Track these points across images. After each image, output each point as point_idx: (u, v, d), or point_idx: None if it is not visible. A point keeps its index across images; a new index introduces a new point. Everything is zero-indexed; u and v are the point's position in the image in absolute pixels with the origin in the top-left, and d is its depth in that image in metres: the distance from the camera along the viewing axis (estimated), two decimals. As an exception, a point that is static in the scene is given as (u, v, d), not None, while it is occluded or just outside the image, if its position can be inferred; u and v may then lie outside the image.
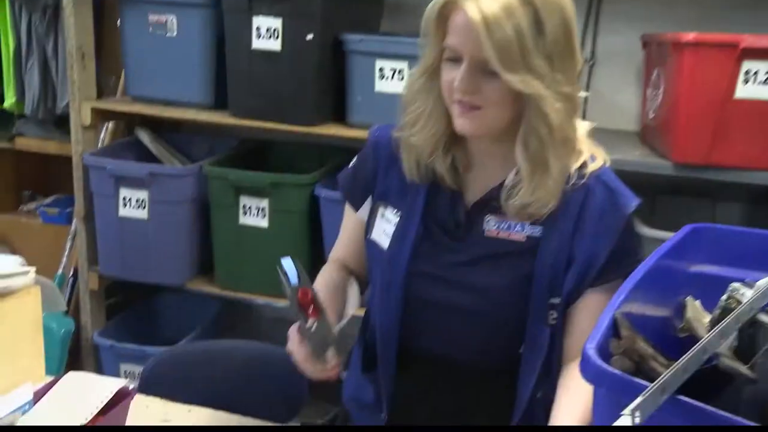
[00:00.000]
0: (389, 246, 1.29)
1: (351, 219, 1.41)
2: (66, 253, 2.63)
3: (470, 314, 1.25)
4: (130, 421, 1.30)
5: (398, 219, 1.29)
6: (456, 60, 1.16)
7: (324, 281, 1.37)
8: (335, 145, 2.46)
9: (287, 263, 1.17)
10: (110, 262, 2.52)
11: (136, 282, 2.57)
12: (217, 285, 2.50)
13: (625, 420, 0.61)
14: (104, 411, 1.25)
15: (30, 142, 2.76)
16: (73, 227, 2.60)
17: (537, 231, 1.22)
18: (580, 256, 1.20)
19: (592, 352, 0.74)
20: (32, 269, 1.24)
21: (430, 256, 1.27)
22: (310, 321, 1.16)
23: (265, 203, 2.36)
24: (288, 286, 1.17)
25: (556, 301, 1.21)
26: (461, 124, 1.18)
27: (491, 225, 1.25)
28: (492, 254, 1.24)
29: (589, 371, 0.74)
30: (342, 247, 1.45)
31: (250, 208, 2.38)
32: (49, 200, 2.91)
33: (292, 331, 1.22)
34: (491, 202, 1.25)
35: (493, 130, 1.19)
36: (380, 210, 1.33)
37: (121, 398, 1.28)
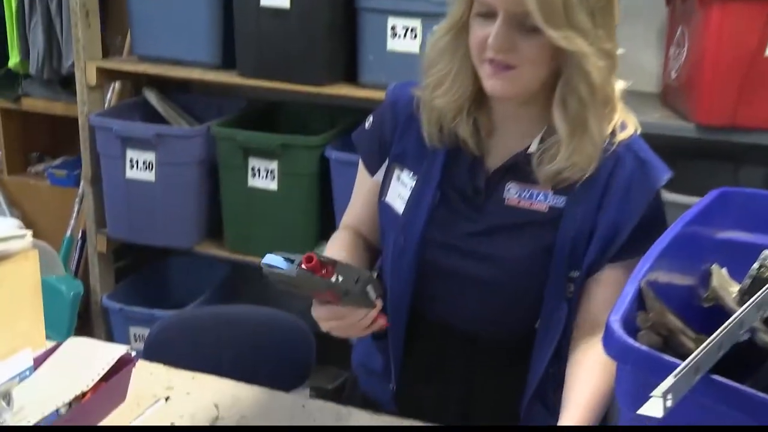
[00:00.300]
0: (404, 211, 1.23)
1: (366, 183, 1.33)
2: (74, 215, 2.60)
3: (485, 285, 1.19)
4: (133, 388, 1.27)
5: (414, 183, 1.23)
6: (488, 15, 1.08)
7: (337, 248, 1.28)
8: (346, 105, 2.40)
9: (269, 258, 1.07)
10: (118, 225, 2.49)
11: (144, 245, 2.54)
12: (226, 248, 2.46)
13: (655, 404, 0.56)
14: (106, 378, 1.22)
15: (36, 102, 2.71)
16: (80, 190, 2.57)
17: (560, 201, 1.16)
18: (603, 229, 1.14)
19: (617, 326, 0.68)
20: (29, 232, 1.19)
21: (446, 224, 1.21)
22: (333, 278, 1.06)
23: (274, 165, 2.31)
24: (286, 275, 1.05)
25: (575, 274, 1.16)
26: (492, 85, 1.11)
27: (512, 193, 1.19)
28: (511, 224, 1.18)
29: (613, 346, 0.68)
30: (355, 212, 1.37)
31: (259, 170, 2.33)
32: (57, 162, 2.87)
33: (319, 311, 1.13)
34: (514, 169, 1.18)
35: (526, 92, 1.12)
36: (396, 172, 1.27)
37: (123, 365, 1.25)
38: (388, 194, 1.27)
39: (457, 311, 1.23)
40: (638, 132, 1.18)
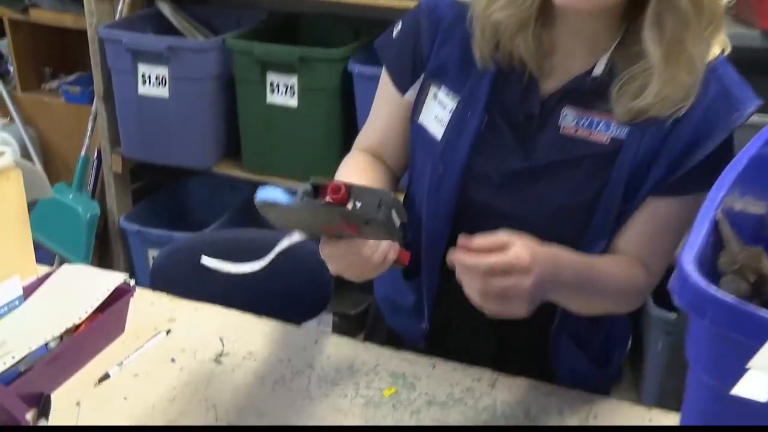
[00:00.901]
0: (443, 137, 1.08)
1: (391, 99, 1.15)
2: (88, 134, 2.49)
3: (528, 225, 1.04)
4: (132, 319, 1.18)
5: (455, 105, 1.06)
6: None
7: (351, 171, 1.12)
8: (371, 17, 2.22)
9: (265, 192, 0.90)
10: (132, 144, 2.38)
11: (160, 164, 2.43)
12: (244, 168, 2.35)
13: (755, 381, 0.42)
14: (102, 308, 1.12)
15: (45, 14, 2.56)
16: (93, 107, 2.45)
17: (623, 131, 1.00)
18: (666, 158, 0.99)
19: (691, 268, 0.54)
20: (8, 149, 1.08)
21: (492, 155, 1.06)
22: (350, 204, 0.87)
23: (293, 80, 2.16)
24: (290, 209, 0.89)
25: (624, 208, 1.03)
26: None
27: (569, 120, 1.03)
28: (565, 158, 1.03)
29: (686, 295, 0.53)
30: (375, 133, 1.20)
31: (277, 85, 2.19)
32: (71, 78, 2.75)
33: (330, 248, 0.95)
34: (573, 94, 1.02)
35: (607, 3, 0.95)
36: (432, 90, 1.10)
37: (120, 295, 1.15)
38: (422, 114, 1.11)
39: None
40: (726, 52, 1.00)
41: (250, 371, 1.11)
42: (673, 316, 1.97)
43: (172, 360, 1.11)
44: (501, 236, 0.89)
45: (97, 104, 2.41)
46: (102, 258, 2.74)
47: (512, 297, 0.88)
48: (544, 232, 1.04)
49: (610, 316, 1.13)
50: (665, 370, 2.06)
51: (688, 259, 0.54)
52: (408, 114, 1.14)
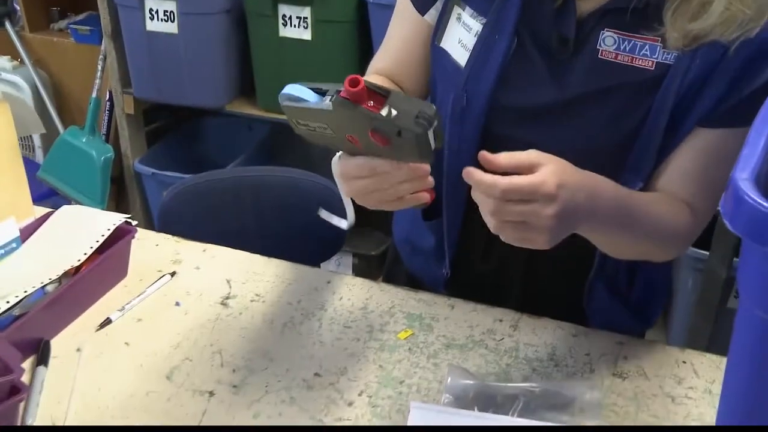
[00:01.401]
0: (468, 63, 0.97)
1: (410, 20, 1.06)
2: (98, 75, 2.42)
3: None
4: (135, 262, 1.12)
5: (481, 28, 0.96)
6: None
7: None
8: (387, -59, 2.10)
9: (292, 89, 0.80)
10: (143, 84, 2.31)
11: (173, 105, 2.37)
12: (260, 107, 2.27)
13: None
14: (102, 250, 1.07)
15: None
16: (103, 46, 2.37)
17: (671, 55, 0.89)
18: (719, 82, 0.88)
19: (747, 186, 0.45)
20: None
21: (522, 84, 0.96)
22: (384, 110, 0.76)
23: (306, 12, 2.07)
24: (318, 109, 0.78)
25: (666, 142, 0.92)
26: None
27: (609, 44, 0.91)
28: (602, 86, 0.92)
29: (741, 218, 0.45)
30: (391, 55, 1.10)
31: (290, 18, 2.10)
32: (80, 17, 2.67)
33: (348, 165, 0.85)
34: (613, 14, 0.91)
35: None
36: (456, 11, 1.00)
37: (122, 235, 1.09)
38: (444, 38, 1.01)
39: None
40: None
41: (258, 314, 1.05)
42: (705, 254, 1.88)
43: (177, 304, 1.06)
44: (530, 155, 0.78)
45: (106, 43, 2.33)
46: (119, 202, 2.70)
47: (532, 226, 0.78)
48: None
49: (650, 263, 1.02)
50: (695, 310, 1.99)
51: (743, 176, 0.46)
52: (427, 38, 1.04)
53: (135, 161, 2.47)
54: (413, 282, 1.17)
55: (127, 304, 1.04)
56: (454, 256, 1.10)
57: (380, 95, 0.77)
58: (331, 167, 0.89)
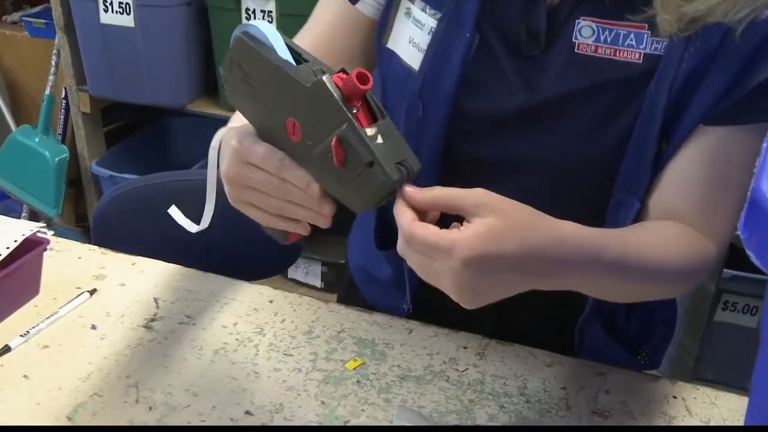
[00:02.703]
0: (422, 66, 0.83)
1: (337, 5, 0.90)
2: (52, 70, 2.27)
3: (539, 177, 0.82)
4: (50, 276, 0.98)
5: (436, 24, 0.82)
6: None
7: None
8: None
9: (255, 26, 0.65)
10: (99, 81, 2.17)
11: (131, 104, 2.22)
12: (223, 106, 2.14)
13: None
14: (8, 263, 0.93)
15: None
16: (56, 40, 2.23)
17: (660, 45, 0.75)
18: (722, 71, 0.73)
19: None
20: None
21: (487, 87, 0.81)
22: (371, 131, 0.63)
23: (271, 5, 1.94)
24: (278, 63, 0.64)
25: (661, 148, 0.78)
26: None
27: (586, 35, 0.77)
28: (583, 86, 0.78)
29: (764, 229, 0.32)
30: (311, 38, 0.91)
31: (254, 11, 1.97)
32: (35, 10, 2.53)
33: (253, 147, 0.69)
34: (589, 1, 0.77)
35: None
36: (404, 4, 0.85)
37: (32, 247, 0.95)
38: (391, 37, 0.87)
39: None
40: None
41: (185, 339, 0.91)
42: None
43: (93, 327, 0.92)
44: (467, 198, 0.61)
45: (59, 37, 2.19)
46: (77, 206, 2.55)
47: (441, 286, 0.63)
48: (561, 187, 0.82)
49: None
50: (682, 324, 1.87)
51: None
52: (356, 30, 0.90)
53: (92, 163, 2.32)
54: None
55: (33, 327, 0.90)
56: (416, 289, 0.96)
57: (373, 112, 0.63)
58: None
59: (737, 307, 2.01)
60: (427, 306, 0.95)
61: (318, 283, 2.31)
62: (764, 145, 0.41)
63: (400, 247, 0.64)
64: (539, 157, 0.82)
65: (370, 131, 0.62)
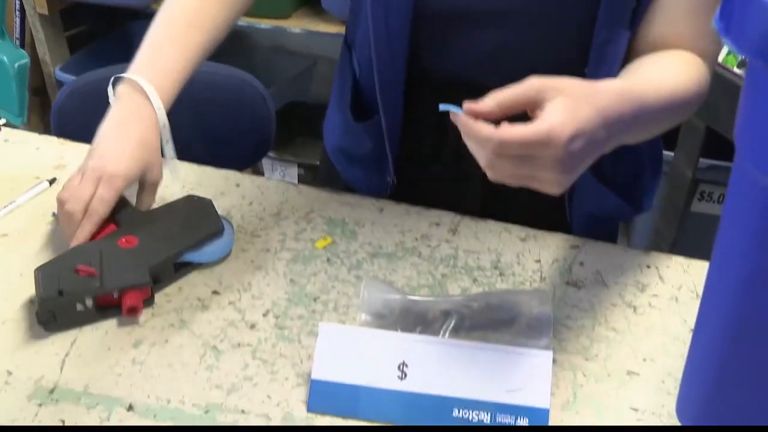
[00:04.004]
0: None
1: None
2: (4, -32, 2.16)
3: (515, 23, 0.80)
4: (6, 167, 0.95)
5: None
6: None
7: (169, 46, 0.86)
8: None
9: None
10: (55, -21, 2.07)
11: (91, 4, 2.13)
12: (187, 5, 2.04)
13: None
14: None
15: None
16: (7, -63, 2.11)
17: None
18: None
19: None
20: None
21: None
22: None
23: None
24: None
25: None
26: None
27: None
28: None
29: (750, 33, 0.29)
30: None
31: None
32: None
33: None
34: None
35: None
36: None
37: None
38: None
39: (474, 66, 0.84)
40: None
41: (150, 224, 0.88)
42: (670, 154, 1.75)
43: (53, 215, 0.89)
44: (530, 86, 0.61)
45: (10, -67, 2.07)
46: (43, 116, 2.48)
47: (538, 180, 0.62)
48: (541, 26, 0.79)
49: None
50: (658, 213, 1.87)
51: None
52: None
53: (56, 69, 2.24)
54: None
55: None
56: (397, 160, 0.93)
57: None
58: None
59: (713, 197, 2.01)
60: (410, 177, 0.94)
61: (289, 181, 2.28)
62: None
63: (488, 161, 0.61)
64: (514, 3, 0.79)
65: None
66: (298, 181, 2.28)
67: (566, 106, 0.60)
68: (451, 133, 0.88)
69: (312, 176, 2.24)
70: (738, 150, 0.45)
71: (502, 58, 0.83)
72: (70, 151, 1.01)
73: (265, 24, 2.01)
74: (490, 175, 0.63)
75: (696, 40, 0.77)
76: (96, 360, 0.71)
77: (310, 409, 0.66)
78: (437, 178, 0.95)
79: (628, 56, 0.78)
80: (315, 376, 0.66)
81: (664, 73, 0.74)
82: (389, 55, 0.84)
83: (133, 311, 0.73)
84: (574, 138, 0.59)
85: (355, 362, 0.66)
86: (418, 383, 0.65)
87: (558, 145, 0.59)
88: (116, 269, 0.75)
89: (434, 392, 0.65)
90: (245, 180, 0.96)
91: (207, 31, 0.86)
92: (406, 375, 0.65)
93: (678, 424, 0.67)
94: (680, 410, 0.64)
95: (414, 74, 0.86)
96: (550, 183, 0.62)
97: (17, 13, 2.23)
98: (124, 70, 1.31)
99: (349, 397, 0.65)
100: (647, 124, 0.72)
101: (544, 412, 0.65)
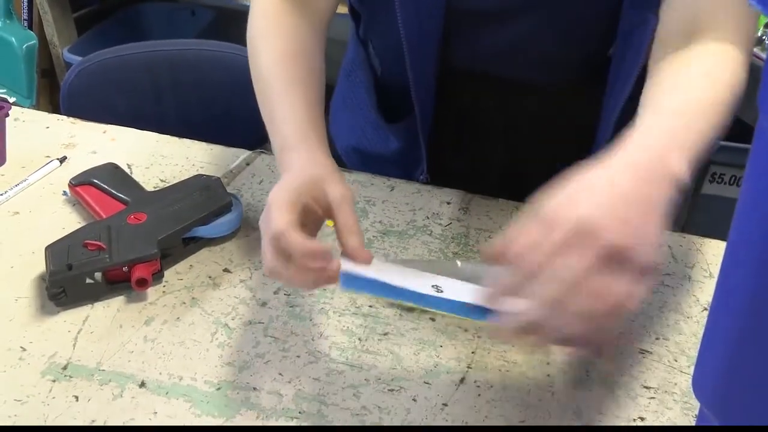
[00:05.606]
0: None
1: None
2: (11, -51, 2.16)
3: (541, 14, 0.78)
4: (17, 146, 0.95)
5: None
6: None
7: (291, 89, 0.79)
8: None
9: None
10: (63, -40, 2.06)
11: (99, -16, 2.13)
12: (196, -15, 2.04)
13: None
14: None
15: None
16: None
17: None
18: None
19: None
20: None
21: None
22: None
23: None
24: None
25: None
26: None
27: None
28: None
29: None
30: None
31: None
32: None
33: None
34: None
35: None
36: None
37: (-6, 114, 0.91)
38: None
39: (503, 57, 0.83)
40: None
41: (160, 203, 0.88)
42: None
43: (65, 193, 0.89)
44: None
45: None
46: (53, 98, 2.48)
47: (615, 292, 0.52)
48: (560, 28, 0.78)
49: None
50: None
51: None
52: None
53: (64, 50, 2.24)
54: None
55: (2, 194, 0.87)
56: (430, 157, 0.92)
57: None
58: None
59: (724, 179, 2.00)
60: (436, 173, 0.93)
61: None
62: None
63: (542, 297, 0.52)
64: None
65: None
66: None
67: (576, 188, 0.54)
68: (469, 123, 0.88)
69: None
70: (762, 113, 0.44)
71: (527, 48, 0.82)
72: (80, 130, 1.01)
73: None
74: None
75: (728, 20, 0.68)
76: (108, 337, 0.71)
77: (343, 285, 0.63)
78: (459, 171, 0.94)
79: (656, 43, 0.76)
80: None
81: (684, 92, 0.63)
82: (422, 54, 0.83)
83: (143, 284, 0.73)
84: (578, 197, 0.53)
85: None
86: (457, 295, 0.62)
87: (564, 218, 0.52)
88: (125, 243, 0.75)
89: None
90: (255, 158, 0.96)
91: (317, 69, 0.80)
92: (441, 291, 0.64)
93: (691, 402, 0.67)
94: (696, 385, 0.63)
95: (442, 70, 0.86)
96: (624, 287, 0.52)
97: (25, -6, 2.23)
98: (131, 50, 1.30)
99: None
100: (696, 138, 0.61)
101: None
